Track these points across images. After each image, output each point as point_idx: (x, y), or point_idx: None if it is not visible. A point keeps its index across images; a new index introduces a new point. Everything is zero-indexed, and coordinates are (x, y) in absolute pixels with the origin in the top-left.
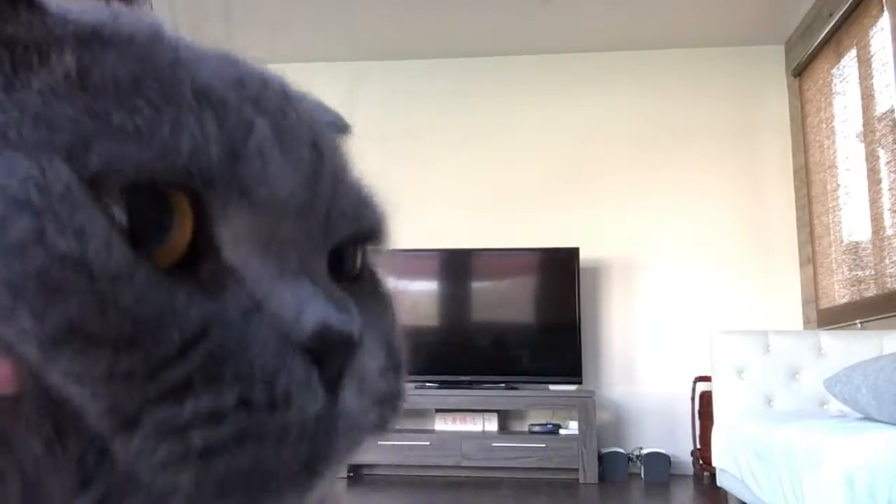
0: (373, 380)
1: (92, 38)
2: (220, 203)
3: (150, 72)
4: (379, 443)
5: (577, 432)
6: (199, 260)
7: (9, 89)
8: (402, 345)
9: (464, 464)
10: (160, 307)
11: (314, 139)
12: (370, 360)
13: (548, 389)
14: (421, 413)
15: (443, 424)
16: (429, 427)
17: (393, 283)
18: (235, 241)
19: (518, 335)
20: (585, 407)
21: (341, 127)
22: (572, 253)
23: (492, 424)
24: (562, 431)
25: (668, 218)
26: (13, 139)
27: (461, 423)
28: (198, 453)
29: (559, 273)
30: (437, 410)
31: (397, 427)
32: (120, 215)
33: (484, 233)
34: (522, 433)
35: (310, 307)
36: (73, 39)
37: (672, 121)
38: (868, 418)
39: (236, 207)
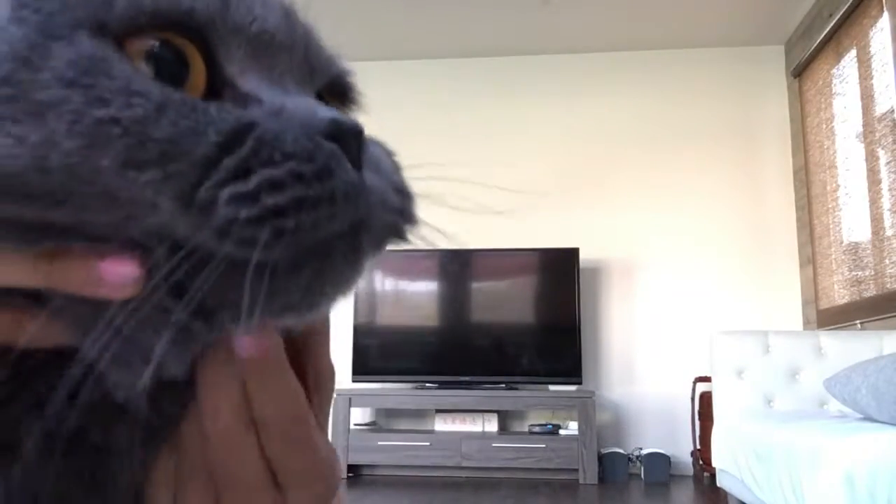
0: (387, 169)
1: None
2: (223, 44)
3: None
4: (379, 443)
5: (576, 433)
6: (219, 92)
7: None
8: (397, 158)
9: (464, 464)
10: (209, 112)
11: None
12: (380, 154)
13: (548, 390)
14: (421, 413)
15: (443, 424)
16: (429, 427)
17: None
18: (243, 73)
19: (518, 335)
20: (585, 407)
21: None
22: (572, 253)
23: (492, 425)
24: (562, 432)
25: (668, 218)
26: (54, 31)
27: (461, 424)
28: (269, 214)
29: (559, 273)
30: (437, 410)
31: (397, 427)
32: (146, 69)
33: (484, 233)
34: (522, 433)
35: (319, 109)
36: None
37: (672, 121)
38: (868, 418)
39: (236, 45)
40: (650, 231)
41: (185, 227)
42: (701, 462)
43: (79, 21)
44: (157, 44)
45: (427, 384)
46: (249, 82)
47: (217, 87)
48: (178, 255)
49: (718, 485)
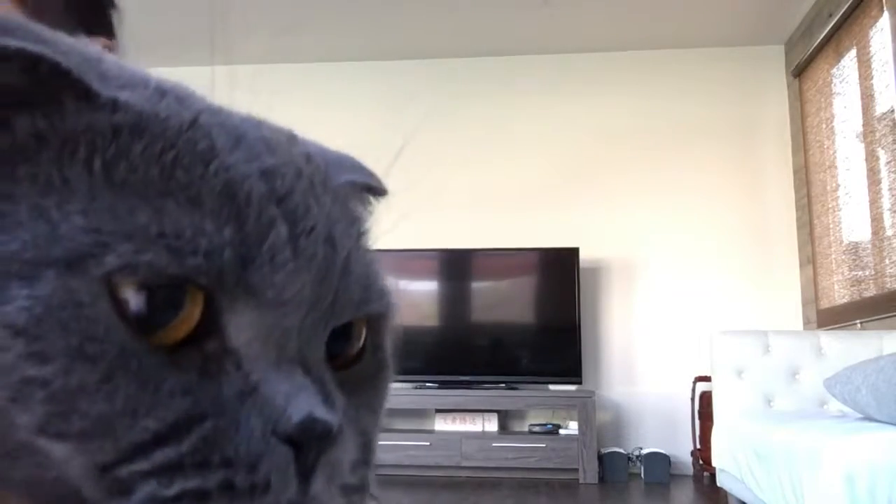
0: (343, 472)
1: (126, 128)
2: (228, 298)
3: (182, 163)
4: (379, 443)
5: (577, 432)
6: (205, 338)
7: (12, 224)
8: (377, 439)
9: (464, 464)
10: (162, 390)
11: (331, 233)
12: (343, 454)
13: (548, 389)
14: (421, 413)
15: (443, 424)
16: (429, 427)
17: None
18: (240, 328)
19: (518, 335)
20: (585, 407)
21: (375, 189)
22: (572, 253)
23: (492, 424)
24: (562, 431)
25: (668, 218)
26: (14, 269)
27: (461, 423)
28: None
29: (559, 273)
30: (437, 410)
31: (397, 427)
32: (137, 299)
33: (484, 233)
34: (522, 433)
35: (299, 398)
36: (107, 129)
37: (672, 121)
38: (868, 418)
39: (243, 303)
40: (650, 231)
41: (92, 495)
42: (701, 462)
43: (52, 259)
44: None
45: (427, 384)
46: (241, 339)
47: (207, 330)
48: None
49: (718, 484)
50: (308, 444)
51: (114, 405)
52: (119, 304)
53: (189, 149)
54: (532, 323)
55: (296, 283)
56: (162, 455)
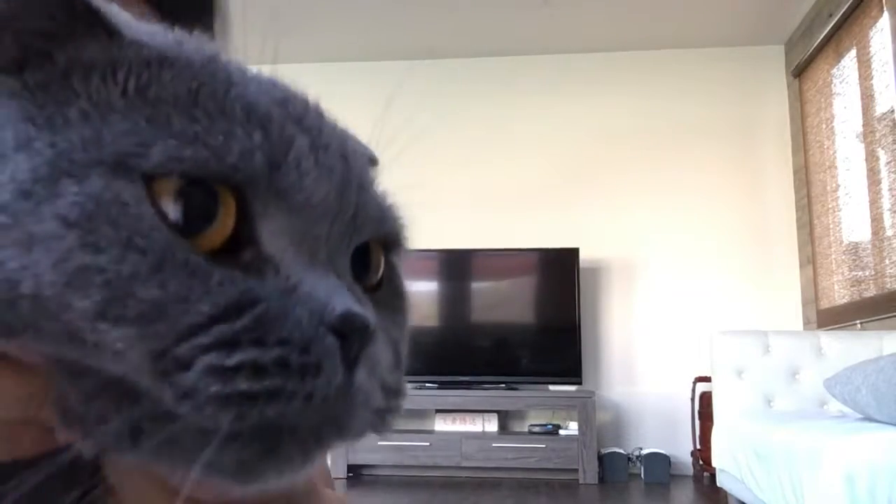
0: (382, 370)
1: (153, 61)
2: (260, 202)
3: (206, 88)
4: (379, 443)
5: (576, 433)
6: (241, 248)
7: (63, 125)
8: (407, 351)
9: (464, 464)
10: (211, 280)
11: (344, 152)
12: (381, 353)
13: (548, 390)
14: (421, 413)
15: (443, 424)
16: (429, 427)
17: (410, 287)
18: (273, 234)
19: (518, 335)
20: (585, 407)
21: (370, 158)
22: (572, 253)
23: (492, 425)
24: (562, 432)
25: (668, 218)
26: (65, 167)
27: (461, 424)
28: (239, 397)
29: (559, 273)
30: (437, 411)
31: (397, 427)
32: (174, 208)
33: (484, 233)
34: (522, 433)
35: (337, 295)
36: (138, 60)
37: (672, 121)
38: (868, 418)
39: (275, 207)
40: (650, 231)
41: (148, 381)
42: (701, 462)
43: (98, 160)
44: (190, 184)
45: (427, 384)
46: (275, 246)
47: (242, 240)
48: (134, 407)
49: (718, 485)
50: (350, 335)
51: (167, 291)
52: (159, 212)
53: (210, 77)
54: (532, 323)
55: (321, 189)
56: (219, 331)
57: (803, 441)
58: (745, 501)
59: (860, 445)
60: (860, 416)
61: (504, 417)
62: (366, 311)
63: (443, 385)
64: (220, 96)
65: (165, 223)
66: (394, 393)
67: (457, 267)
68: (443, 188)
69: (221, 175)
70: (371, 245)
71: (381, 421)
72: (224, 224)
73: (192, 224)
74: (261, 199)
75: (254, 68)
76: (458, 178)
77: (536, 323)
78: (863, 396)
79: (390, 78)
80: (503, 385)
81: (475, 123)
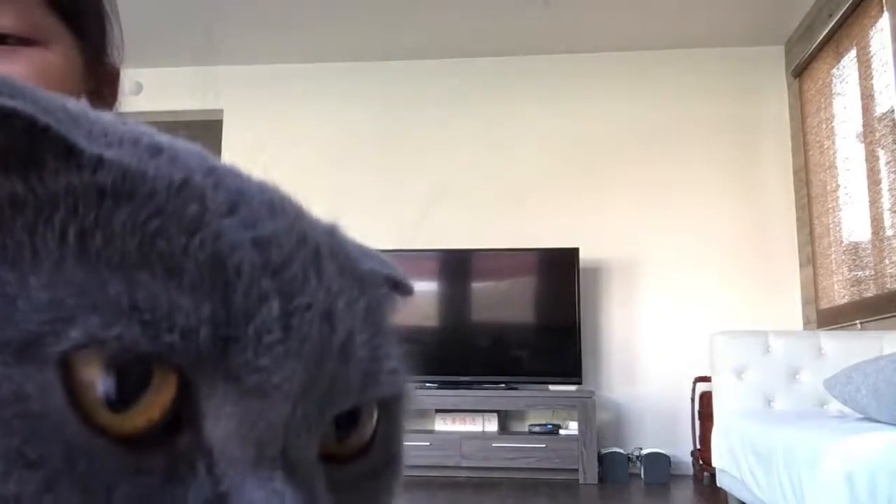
0: None
1: (109, 191)
2: (206, 384)
3: (163, 234)
4: None
5: (576, 432)
6: (181, 430)
7: None
8: None
9: (464, 464)
10: (110, 494)
11: (330, 309)
12: None
13: (548, 390)
14: (421, 413)
15: (443, 424)
16: (429, 427)
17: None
18: (219, 417)
19: (518, 335)
20: (585, 407)
21: (399, 285)
22: (572, 253)
23: (492, 424)
24: (562, 432)
25: (669, 218)
26: None
27: (461, 424)
28: None
29: (559, 273)
30: (437, 411)
31: None
32: (104, 381)
33: (484, 233)
34: (522, 433)
35: None
36: (90, 191)
37: (672, 121)
38: (868, 418)
39: (223, 392)
40: (650, 231)
41: None
42: (701, 462)
43: (3, 342)
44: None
45: (427, 384)
46: (219, 432)
47: (183, 420)
48: None
49: (718, 485)
50: None
51: None
52: (77, 389)
53: (175, 216)
54: (532, 323)
55: (284, 368)
56: None
57: (803, 441)
58: (745, 501)
59: (860, 445)
60: (860, 416)
61: (504, 417)
62: None
63: (443, 385)
64: (178, 246)
65: (78, 412)
66: None
67: (457, 267)
68: (443, 188)
69: (155, 356)
70: (363, 406)
71: None
72: (159, 398)
73: (124, 398)
74: (206, 380)
75: (249, 176)
76: (458, 177)
77: (536, 323)
78: (863, 396)
79: (390, 78)
80: (503, 385)
81: (475, 123)
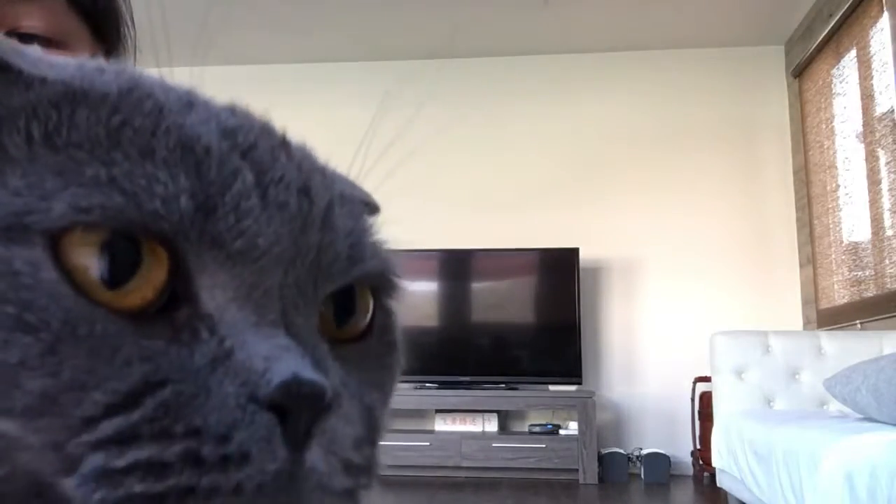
0: (344, 445)
1: (63, 99)
2: (194, 252)
3: (128, 124)
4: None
5: (576, 433)
6: (177, 305)
7: None
8: (385, 418)
9: (464, 464)
10: (116, 359)
11: (305, 184)
12: (345, 425)
13: (548, 390)
14: (421, 413)
15: (443, 424)
16: (429, 427)
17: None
18: (212, 288)
19: (518, 335)
20: (585, 407)
21: (368, 205)
22: (572, 253)
23: (492, 425)
24: (562, 432)
25: (668, 218)
26: None
27: (461, 424)
28: (137, 501)
29: (559, 273)
30: (437, 411)
31: (397, 427)
32: (97, 262)
33: (484, 233)
34: (522, 433)
35: (281, 359)
36: (45, 102)
37: (672, 121)
38: (868, 419)
39: (212, 258)
40: (650, 231)
41: (52, 477)
42: (701, 462)
43: None
44: (117, 235)
45: (427, 384)
46: (216, 301)
47: (179, 295)
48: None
49: (718, 485)
50: (297, 408)
51: (59, 379)
52: (72, 272)
53: (134, 110)
54: (532, 323)
55: (267, 232)
56: (110, 425)
57: (803, 441)
58: (745, 501)
59: (860, 445)
60: (860, 416)
61: (504, 417)
62: (324, 375)
63: (443, 385)
64: (144, 132)
65: (73, 287)
66: (362, 470)
67: (457, 267)
68: (443, 188)
69: (140, 224)
70: (357, 287)
71: (347, 502)
72: (151, 278)
73: (117, 276)
74: (194, 249)
75: (204, 94)
76: (458, 178)
77: (536, 323)
78: (863, 396)
79: (390, 78)
80: (503, 385)
81: (475, 123)
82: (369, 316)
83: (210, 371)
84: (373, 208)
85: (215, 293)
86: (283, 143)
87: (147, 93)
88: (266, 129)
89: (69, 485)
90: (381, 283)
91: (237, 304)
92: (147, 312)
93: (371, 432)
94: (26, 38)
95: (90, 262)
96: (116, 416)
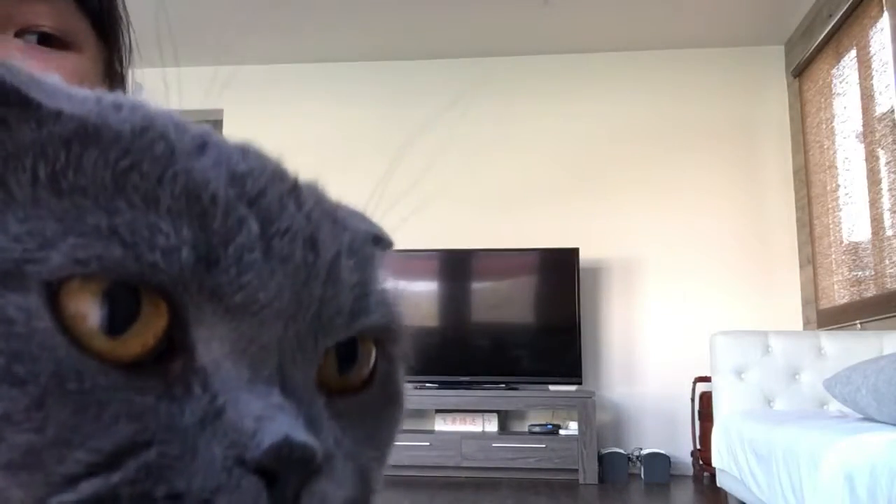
0: None
1: (74, 137)
2: (193, 305)
3: (136, 169)
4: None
5: (576, 433)
6: (173, 356)
7: None
8: (380, 478)
9: (464, 464)
10: (104, 416)
11: (313, 235)
12: (336, 488)
13: (548, 390)
14: (421, 413)
15: (443, 424)
16: (429, 427)
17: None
18: (211, 340)
19: (518, 335)
20: (585, 407)
21: (379, 240)
22: (572, 253)
23: (492, 425)
24: (562, 432)
25: (668, 218)
26: None
27: (461, 424)
28: None
29: (559, 273)
30: (437, 411)
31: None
32: (96, 311)
33: (484, 233)
34: (522, 433)
35: (274, 420)
36: (55, 139)
37: (672, 121)
38: (868, 419)
39: (211, 310)
40: (650, 231)
41: None
42: (701, 462)
43: None
44: (108, 286)
45: (427, 384)
46: (212, 355)
47: (176, 346)
48: None
49: (718, 485)
50: (286, 472)
51: (44, 435)
52: (69, 321)
53: (144, 153)
54: (532, 323)
55: (269, 286)
56: (89, 485)
57: (803, 441)
58: (745, 501)
59: (860, 445)
60: (860, 416)
61: (504, 417)
62: (317, 435)
63: (443, 385)
64: (151, 178)
65: (68, 338)
66: None
67: (457, 267)
68: (443, 188)
69: (139, 276)
70: (359, 338)
71: None
72: (150, 325)
73: (115, 324)
74: (193, 300)
75: (218, 136)
76: (458, 178)
77: (536, 323)
78: (863, 396)
79: (390, 78)
80: (503, 385)
81: (475, 123)
82: (371, 364)
83: (199, 430)
84: (386, 244)
85: (212, 346)
86: (294, 189)
87: (160, 133)
88: (277, 174)
89: None
90: (385, 335)
91: (233, 358)
92: (140, 364)
93: (363, 494)
94: (39, 35)
95: (89, 310)
96: (97, 476)
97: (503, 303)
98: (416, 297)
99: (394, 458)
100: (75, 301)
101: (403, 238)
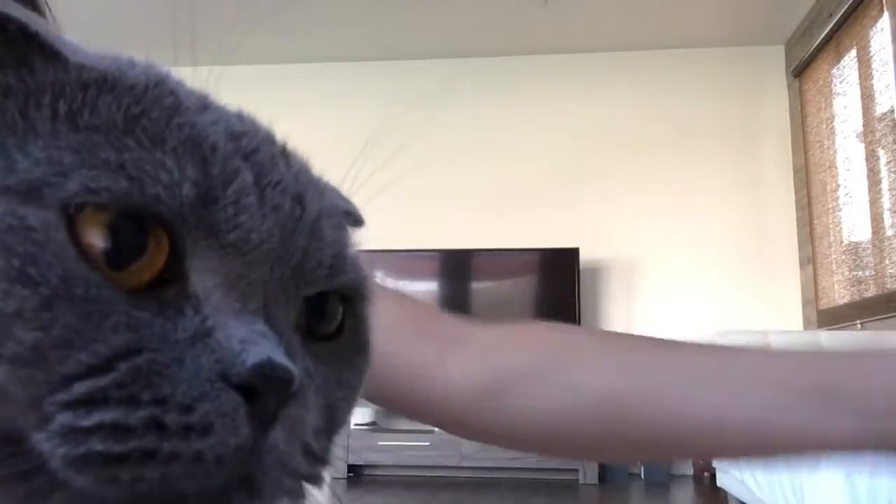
0: (305, 432)
1: (92, 84)
2: (191, 238)
3: (146, 115)
4: (379, 443)
5: None
6: (169, 283)
7: None
8: (346, 416)
9: (464, 464)
10: (105, 324)
11: (300, 192)
12: (306, 414)
13: None
14: None
15: None
16: (429, 427)
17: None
18: (203, 272)
19: None
20: None
21: (352, 217)
22: (572, 253)
23: None
24: None
25: (669, 218)
26: None
27: None
28: (96, 459)
29: (559, 273)
30: None
31: (397, 427)
32: (103, 240)
33: (484, 233)
34: None
35: (258, 343)
36: (74, 84)
37: (672, 121)
38: None
39: (206, 245)
40: (650, 231)
41: (28, 426)
42: (701, 462)
43: (5, 187)
44: (123, 218)
45: None
46: (204, 284)
47: (172, 277)
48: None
49: (718, 485)
50: (266, 390)
51: (50, 335)
52: (81, 246)
53: (154, 103)
54: None
55: (261, 229)
56: (82, 386)
57: None
58: (745, 501)
59: None
60: None
61: None
62: (295, 364)
63: None
64: (159, 124)
65: (79, 253)
66: (318, 459)
67: (457, 267)
68: (443, 188)
69: (144, 207)
70: (330, 295)
71: (298, 487)
72: (153, 259)
73: (122, 257)
74: (191, 234)
75: (218, 101)
76: (458, 177)
77: None
78: None
79: (390, 78)
80: None
81: (475, 123)
82: (337, 323)
83: (188, 345)
84: (357, 220)
85: (205, 277)
86: (283, 152)
87: (170, 89)
88: (268, 138)
89: (38, 438)
90: (356, 295)
91: (223, 290)
92: (144, 287)
93: (329, 426)
94: None
95: (97, 241)
96: (90, 378)
97: (503, 303)
98: (417, 297)
99: (394, 458)
100: (86, 232)
101: (403, 238)
